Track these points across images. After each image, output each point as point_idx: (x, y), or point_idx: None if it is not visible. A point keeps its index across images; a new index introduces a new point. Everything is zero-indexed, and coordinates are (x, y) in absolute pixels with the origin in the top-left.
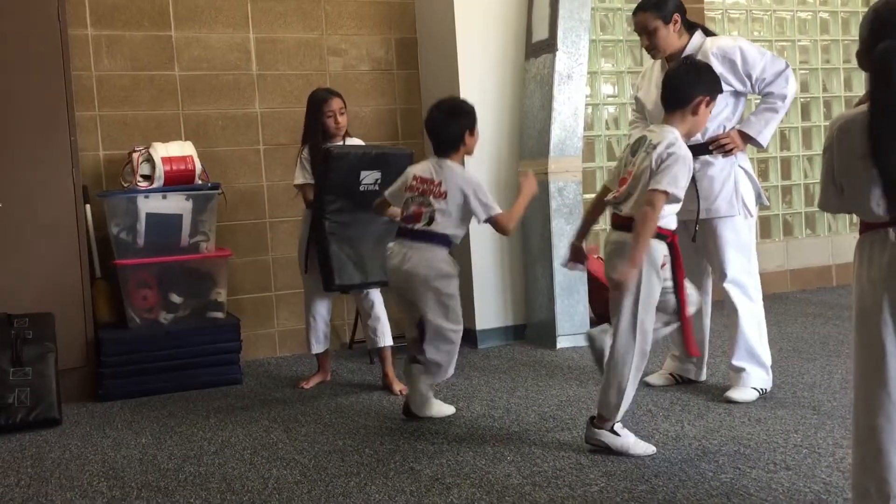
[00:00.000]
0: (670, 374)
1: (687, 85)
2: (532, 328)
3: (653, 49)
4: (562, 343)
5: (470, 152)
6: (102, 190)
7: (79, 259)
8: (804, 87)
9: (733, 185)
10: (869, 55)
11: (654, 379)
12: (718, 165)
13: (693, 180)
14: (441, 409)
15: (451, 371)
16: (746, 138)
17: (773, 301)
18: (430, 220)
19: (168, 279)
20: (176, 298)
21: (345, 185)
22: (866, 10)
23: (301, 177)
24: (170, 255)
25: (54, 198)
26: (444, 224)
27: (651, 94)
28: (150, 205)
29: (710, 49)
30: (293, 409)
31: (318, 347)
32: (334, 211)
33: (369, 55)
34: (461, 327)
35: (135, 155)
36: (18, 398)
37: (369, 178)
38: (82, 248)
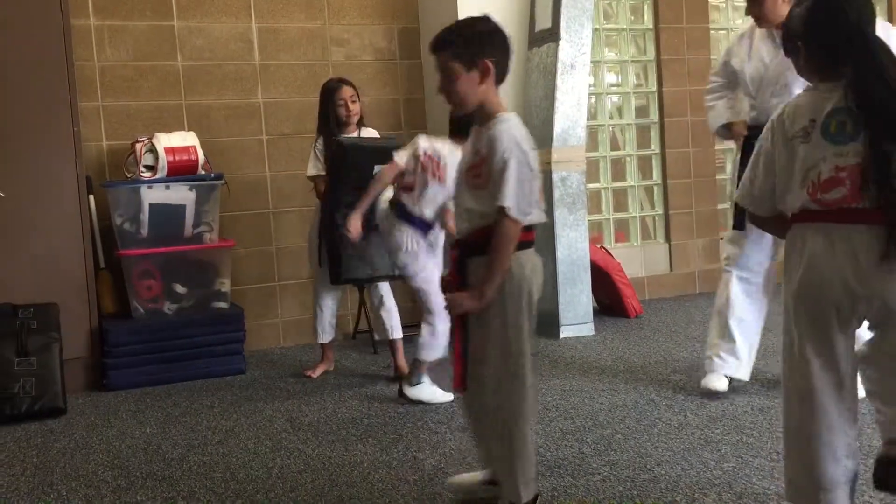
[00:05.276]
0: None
1: None
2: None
3: (759, 18)
4: (565, 333)
5: None
6: (106, 180)
7: (82, 249)
8: None
9: None
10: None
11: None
12: None
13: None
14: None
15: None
16: None
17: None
18: None
19: (172, 269)
20: (180, 289)
21: (358, 177)
22: None
23: (314, 168)
24: (173, 246)
25: (57, 188)
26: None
27: (753, 66)
28: (154, 195)
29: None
30: (297, 399)
31: (324, 337)
32: (346, 204)
33: (372, 45)
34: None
35: (138, 145)
36: (23, 388)
37: None
38: (86, 238)
